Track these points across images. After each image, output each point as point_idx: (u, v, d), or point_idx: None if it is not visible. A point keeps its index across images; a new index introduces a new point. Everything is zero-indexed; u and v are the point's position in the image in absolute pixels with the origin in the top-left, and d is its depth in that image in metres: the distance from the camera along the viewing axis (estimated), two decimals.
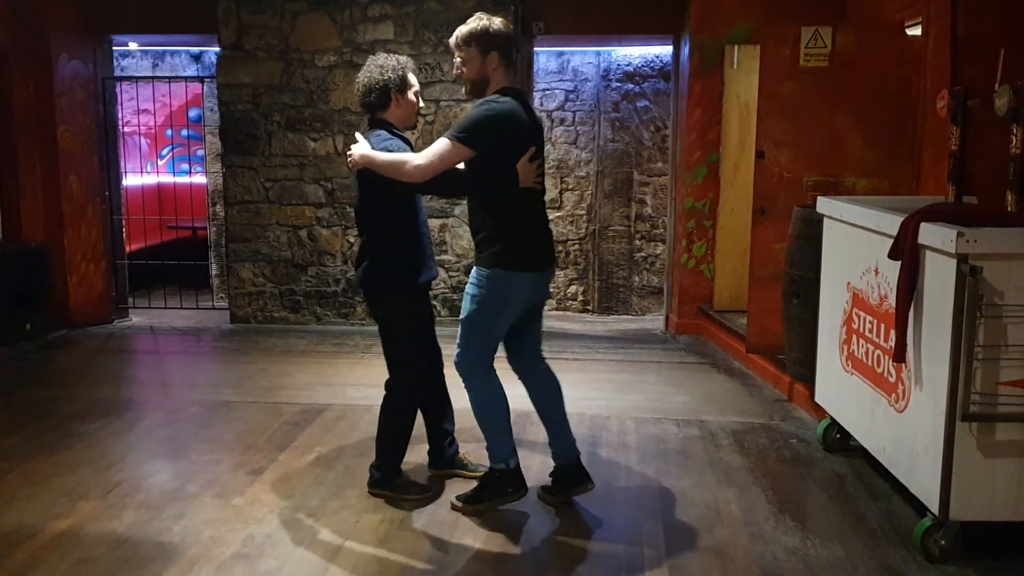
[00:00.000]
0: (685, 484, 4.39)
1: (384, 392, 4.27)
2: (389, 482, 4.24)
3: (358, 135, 4.02)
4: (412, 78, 4.10)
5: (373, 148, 3.89)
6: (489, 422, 4.04)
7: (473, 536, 3.83)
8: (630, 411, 5.52)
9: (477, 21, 3.86)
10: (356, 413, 5.40)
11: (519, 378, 4.18)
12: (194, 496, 4.23)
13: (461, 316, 3.96)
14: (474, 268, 3.92)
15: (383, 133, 4.00)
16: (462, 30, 3.86)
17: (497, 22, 3.86)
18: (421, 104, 4.17)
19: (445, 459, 4.49)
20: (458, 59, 3.89)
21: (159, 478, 4.48)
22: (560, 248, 10.88)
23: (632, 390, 6.03)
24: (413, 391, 4.25)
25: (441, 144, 3.71)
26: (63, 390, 6.01)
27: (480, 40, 3.82)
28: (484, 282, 3.86)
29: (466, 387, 4.01)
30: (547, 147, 10.67)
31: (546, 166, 10.55)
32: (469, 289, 3.91)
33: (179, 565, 3.57)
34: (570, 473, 4.16)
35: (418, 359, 4.21)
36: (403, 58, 4.13)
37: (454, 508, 4.08)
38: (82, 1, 7.94)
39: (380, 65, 4.02)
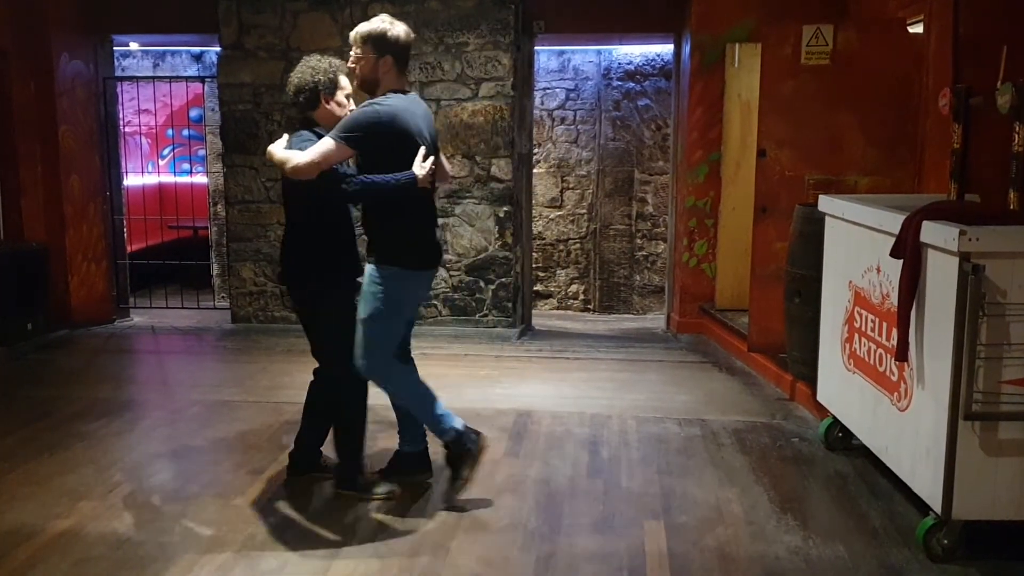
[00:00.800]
0: (687, 483, 4.38)
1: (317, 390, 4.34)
2: (355, 482, 4.24)
3: (286, 135, 4.09)
4: (344, 80, 4.14)
5: (293, 147, 3.91)
6: (424, 405, 4.12)
7: (474, 536, 3.82)
8: (631, 410, 5.51)
9: (379, 23, 3.95)
10: None
11: None
12: (195, 496, 4.23)
13: (361, 316, 3.97)
14: (369, 267, 3.95)
15: (305, 133, 4.01)
16: (362, 28, 3.96)
17: (399, 28, 3.96)
18: (352, 107, 4.14)
19: (310, 463, 4.45)
20: (353, 55, 3.97)
21: (160, 478, 4.47)
22: (561, 247, 10.88)
23: (633, 389, 6.02)
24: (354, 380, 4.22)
25: (325, 143, 3.78)
26: (64, 390, 6.01)
27: (376, 42, 3.91)
28: (383, 281, 3.91)
29: (386, 389, 4.10)
30: (548, 146, 10.67)
31: (542, 165, 10.59)
32: (368, 288, 3.95)
33: (180, 565, 3.56)
34: (415, 460, 4.31)
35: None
36: (336, 60, 4.17)
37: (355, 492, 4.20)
38: (83, 1, 7.94)
39: (312, 66, 4.07)
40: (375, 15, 7.63)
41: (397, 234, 3.93)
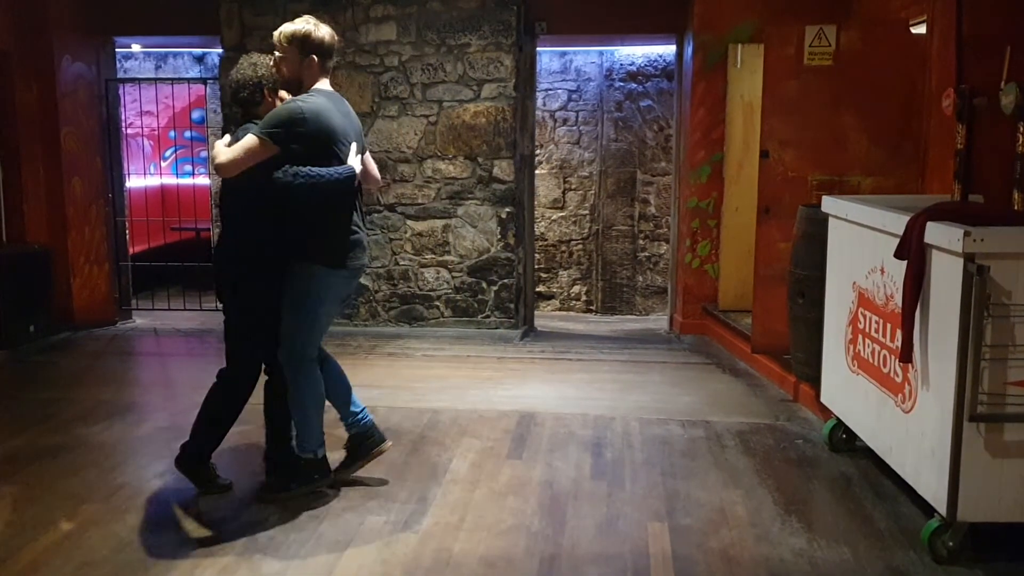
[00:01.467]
0: (690, 485, 4.37)
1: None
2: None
3: (227, 135, 4.14)
4: None
5: (237, 139, 3.93)
6: (312, 412, 4.18)
7: (477, 538, 3.81)
8: (635, 412, 5.50)
9: (304, 24, 4.01)
10: None
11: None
12: (197, 498, 4.22)
13: (285, 311, 4.06)
14: (294, 263, 4.01)
15: (250, 126, 4.02)
16: (286, 28, 4.01)
17: (323, 30, 4.03)
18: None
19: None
20: (277, 54, 4.03)
21: (162, 480, 4.46)
22: (563, 248, 10.88)
23: (637, 391, 6.01)
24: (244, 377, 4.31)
25: (248, 139, 3.82)
26: (66, 392, 6.01)
27: (301, 42, 3.98)
28: (306, 277, 3.99)
29: (291, 380, 4.14)
30: (550, 147, 10.66)
31: (544, 166, 10.58)
32: (292, 283, 4.02)
33: (182, 567, 3.55)
34: (367, 434, 4.32)
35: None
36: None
37: (262, 501, 4.15)
38: (85, 3, 7.94)
39: (253, 62, 4.13)
40: (377, 17, 7.66)
41: (325, 231, 3.98)
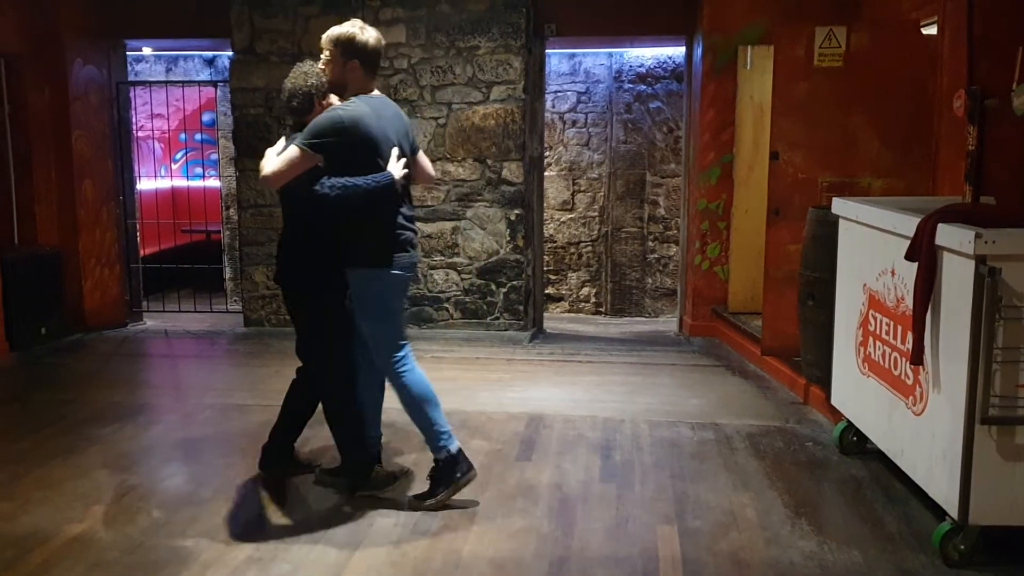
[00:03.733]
0: (700, 488, 4.36)
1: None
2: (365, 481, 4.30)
3: (282, 139, 4.22)
4: None
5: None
6: (428, 407, 4.14)
7: (487, 540, 3.81)
8: (644, 414, 5.49)
9: (349, 27, 4.03)
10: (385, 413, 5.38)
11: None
12: (208, 499, 4.23)
13: (359, 319, 4.10)
14: (348, 270, 4.04)
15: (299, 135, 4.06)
16: (332, 31, 4.04)
17: (368, 34, 4.04)
18: None
19: (291, 458, 4.58)
20: (323, 57, 4.07)
21: (173, 482, 4.48)
22: (572, 250, 10.87)
23: (646, 393, 6.00)
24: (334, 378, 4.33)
25: (290, 151, 3.84)
26: (77, 394, 6.03)
27: (344, 46, 4.00)
28: (362, 281, 4.03)
29: (392, 385, 4.15)
30: (559, 149, 10.66)
31: (554, 168, 10.58)
32: (353, 290, 4.06)
33: (192, 569, 3.56)
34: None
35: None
36: None
37: (413, 508, 4.11)
38: (96, 6, 7.98)
39: (304, 72, 4.18)
40: (386, 20, 7.68)
41: (368, 235, 4.00)
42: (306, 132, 3.85)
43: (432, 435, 4.11)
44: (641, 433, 5.16)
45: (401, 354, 4.11)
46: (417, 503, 4.11)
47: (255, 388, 6.13)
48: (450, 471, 4.11)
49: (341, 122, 3.84)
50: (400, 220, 4.05)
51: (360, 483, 4.26)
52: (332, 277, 4.13)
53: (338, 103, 4.08)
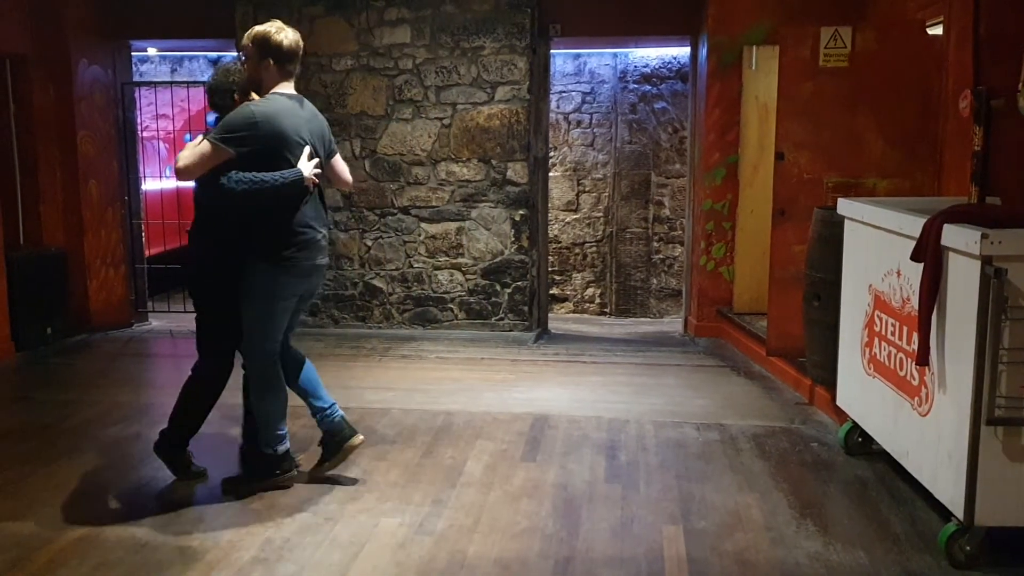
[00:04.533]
0: (705, 489, 4.35)
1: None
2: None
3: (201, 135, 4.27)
4: None
5: None
6: (271, 407, 4.29)
7: (492, 541, 3.81)
8: (649, 415, 5.49)
9: (268, 27, 4.13)
10: (373, 416, 5.39)
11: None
12: (213, 500, 4.24)
13: (242, 306, 4.20)
14: (245, 261, 4.13)
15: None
16: (253, 29, 4.13)
17: (285, 35, 4.11)
18: None
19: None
20: (243, 54, 4.16)
21: (178, 482, 4.48)
22: (577, 250, 10.87)
23: (651, 393, 6.00)
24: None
25: (202, 145, 3.94)
26: (83, 394, 6.04)
27: (259, 44, 4.08)
28: (254, 273, 4.11)
29: (249, 374, 4.33)
30: (564, 149, 10.66)
31: (558, 168, 10.58)
32: (244, 279, 4.14)
33: (197, 569, 3.57)
34: (336, 431, 4.36)
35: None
36: None
37: (225, 492, 4.27)
38: (101, 7, 7.99)
39: (227, 69, 4.31)
40: (391, 20, 7.69)
41: (268, 231, 4.07)
42: (218, 127, 3.96)
43: (265, 430, 4.28)
44: (646, 434, 5.16)
45: (271, 358, 4.23)
46: (227, 486, 4.30)
47: None
48: (269, 468, 4.31)
49: (252, 117, 3.94)
50: (303, 220, 4.11)
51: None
52: (225, 269, 4.18)
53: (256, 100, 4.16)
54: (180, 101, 10.93)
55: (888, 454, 4.30)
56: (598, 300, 10.91)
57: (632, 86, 10.52)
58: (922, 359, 3.75)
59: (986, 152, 4.85)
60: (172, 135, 11.21)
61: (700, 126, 7.74)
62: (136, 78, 9.42)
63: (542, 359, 7.02)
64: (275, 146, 3.98)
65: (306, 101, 4.25)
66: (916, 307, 3.79)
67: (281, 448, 4.30)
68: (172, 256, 9.26)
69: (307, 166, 4.04)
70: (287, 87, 4.16)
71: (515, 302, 7.67)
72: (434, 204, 7.67)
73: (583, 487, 4.38)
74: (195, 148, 3.95)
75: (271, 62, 4.07)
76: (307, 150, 4.07)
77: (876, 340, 4.37)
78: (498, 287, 7.68)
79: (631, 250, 10.76)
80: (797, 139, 6.00)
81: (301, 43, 4.18)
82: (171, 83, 10.18)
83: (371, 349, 7.24)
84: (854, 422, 4.73)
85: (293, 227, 4.08)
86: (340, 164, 4.47)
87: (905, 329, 4.03)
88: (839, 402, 4.92)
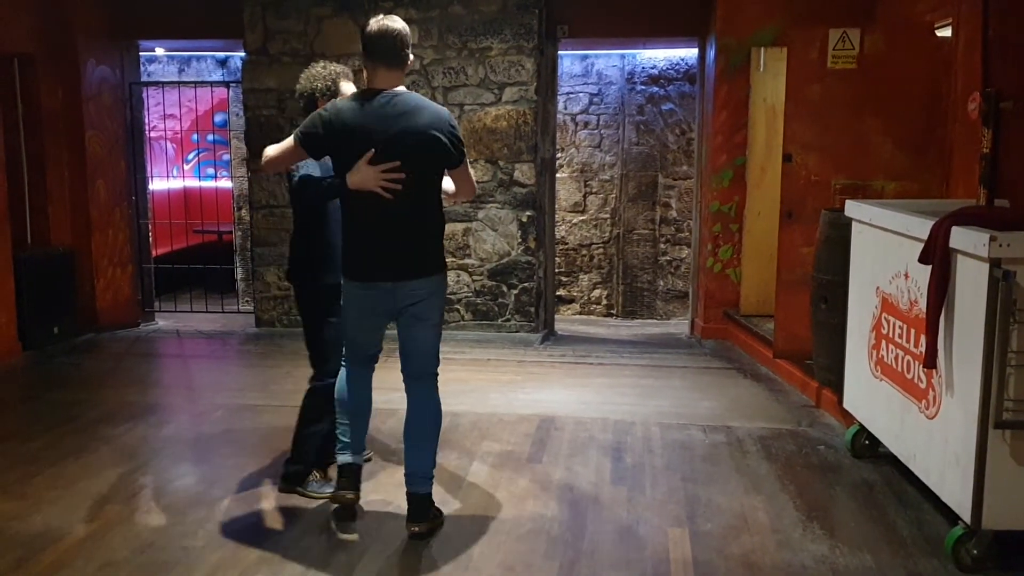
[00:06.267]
0: (711, 491, 4.34)
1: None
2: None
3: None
4: (345, 86, 4.17)
5: None
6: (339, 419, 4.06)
7: (497, 542, 3.81)
8: (655, 417, 5.48)
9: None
10: (379, 416, 5.37)
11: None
12: (219, 500, 4.24)
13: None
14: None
15: None
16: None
17: (368, 29, 3.69)
18: None
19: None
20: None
21: (184, 482, 4.49)
22: (584, 252, 10.85)
23: (657, 395, 5.99)
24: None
25: (287, 139, 3.78)
26: (90, 393, 6.05)
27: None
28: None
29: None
30: (571, 150, 10.64)
31: (565, 170, 10.57)
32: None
33: (203, 569, 3.57)
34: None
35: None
36: (338, 67, 4.25)
37: (282, 490, 4.29)
38: (109, 7, 8.01)
39: (311, 74, 4.22)
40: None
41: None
42: (302, 123, 3.82)
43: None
44: (652, 435, 5.15)
45: (330, 368, 4.13)
46: (285, 485, 4.26)
47: (266, 388, 6.14)
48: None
49: (322, 114, 3.67)
50: (362, 233, 3.74)
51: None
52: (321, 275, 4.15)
53: None
54: (188, 101, 10.95)
55: (895, 457, 4.29)
56: (605, 301, 10.89)
57: (640, 87, 10.50)
58: (929, 362, 3.74)
59: (995, 154, 4.83)
60: (180, 135, 11.23)
61: (707, 128, 7.73)
62: (144, 78, 9.44)
63: (548, 360, 7.01)
64: (341, 146, 3.68)
65: (409, 99, 3.67)
66: (924, 309, 3.77)
67: (342, 458, 3.98)
68: (179, 256, 9.30)
69: (356, 171, 3.61)
70: (381, 82, 3.70)
71: (522, 303, 7.67)
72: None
73: (589, 489, 4.38)
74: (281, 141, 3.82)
75: (363, 56, 3.75)
76: (370, 154, 3.59)
77: (883, 343, 4.36)
78: (505, 288, 7.68)
79: (638, 252, 10.74)
80: (805, 141, 5.99)
81: (389, 27, 3.66)
82: (179, 83, 10.20)
83: None
84: (861, 425, 4.71)
85: (346, 240, 3.84)
86: (463, 173, 3.81)
87: (913, 332, 4.01)
88: (846, 405, 4.90)
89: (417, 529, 3.81)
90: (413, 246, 3.73)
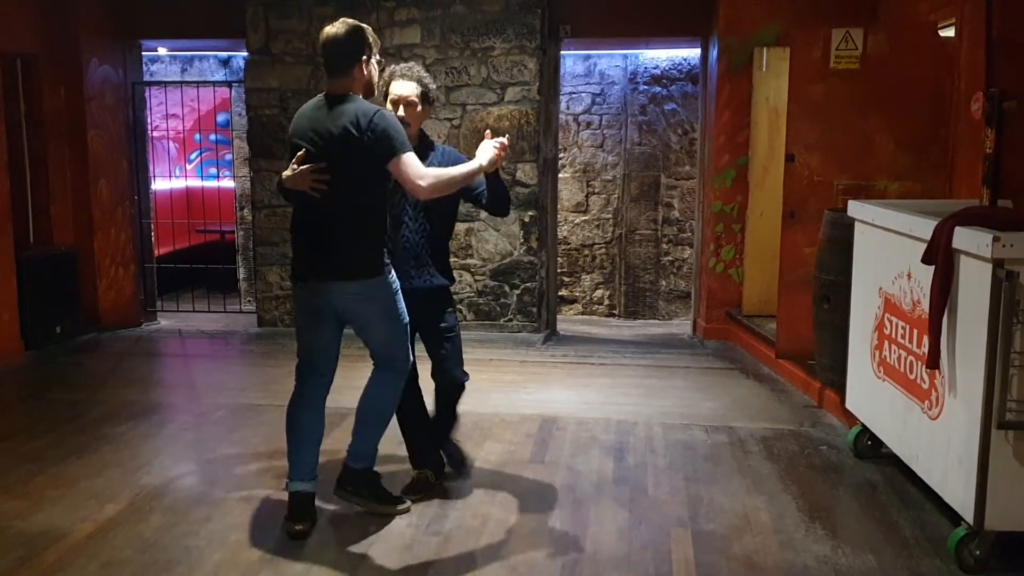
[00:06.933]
0: (714, 491, 4.34)
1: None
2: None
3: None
4: (397, 87, 4.14)
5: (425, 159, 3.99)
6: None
7: (500, 542, 3.81)
8: (658, 417, 5.48)
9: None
10: None
11: None
12: (221, 500, 4.24)
13: None
14: None
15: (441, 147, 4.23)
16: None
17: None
18: (402, 113, 4.07)
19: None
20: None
21: (186, 481, 4.49)
22: (586, 252, 10.85)
23: (660, 396, 5.98)
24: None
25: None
26: (92, 393, 6.05)
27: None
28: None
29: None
30: (574, 150, 10.64)
31: (568, 170, 10.57)
32: None
33: (205, 569, 3.56)
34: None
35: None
36: (404, 67, 4.24)
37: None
38: (112, 7, 8.02)
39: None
40: (401, 20, 7.68)
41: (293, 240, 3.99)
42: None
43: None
44: (655, 436, 5.14)
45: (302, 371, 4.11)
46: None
47: (268, 388, 6.14)
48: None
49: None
50: (304, 231, 3.83)
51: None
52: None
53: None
54: (190, 101, 10.97)
55: (897, 457, 4.28)
56: (607, 302, 10.89)
57: (642, 87, 10.50)
58: (932, 362, 3.73)
59: (998, 154, 4.82)
60: (182, 135, 11.24)
61: (710, 128, 7.73)
62: (146, 78, 9.44)
63: (551, 360, 7.01)
64: (290, 147, 3.83)
65: (324, 99, 3.76)
66: (926, 310, 3.77)
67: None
68: (181, 256, 9.30)
69: (292, 168, 3.70)
70: (327, 87, 3.78)
71: (524, 303, 7.66)
72: None
73: (591, 489, 4.37)
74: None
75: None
76: (300, 153, 3.68)
77: (886, 343, 4.35)
78: (507, 288, 7.68)
79: (640, 252, 10.74)
80: (808, 141, 5.98)
81: (326, 35, 3.70)
82: (181, 83, 10.20)
83: None
84: (863, 425, 4.71)
85: (295, 237, 3.94)
86: (398, 169, 3.67)
87: (915, 332, 4.01)
88: (848, 405, 4.90)
89: (339, 495, 4.01)
90: (342, 246, 3.73)
